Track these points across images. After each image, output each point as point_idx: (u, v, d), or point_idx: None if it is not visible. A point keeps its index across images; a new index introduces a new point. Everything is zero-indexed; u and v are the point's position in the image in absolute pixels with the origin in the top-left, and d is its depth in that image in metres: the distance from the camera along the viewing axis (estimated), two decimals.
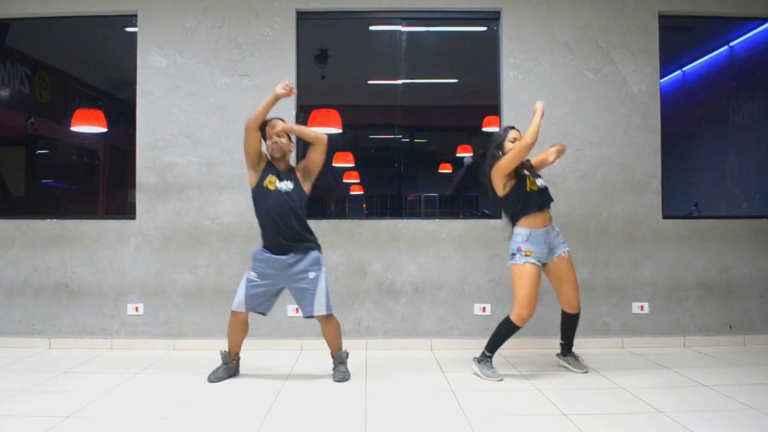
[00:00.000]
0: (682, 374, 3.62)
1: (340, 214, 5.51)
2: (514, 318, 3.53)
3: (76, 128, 5.00)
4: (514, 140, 3.54)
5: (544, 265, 3.59)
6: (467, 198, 5.67)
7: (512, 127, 3.63)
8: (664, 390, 3.28)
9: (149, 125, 4.56)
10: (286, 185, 3.49)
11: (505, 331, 3.59)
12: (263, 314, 3.63)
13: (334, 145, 5.45)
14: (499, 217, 4.59)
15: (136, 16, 4.60)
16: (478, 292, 4.52)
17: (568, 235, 4.51)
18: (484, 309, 4.50)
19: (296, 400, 3.16)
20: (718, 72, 5.62)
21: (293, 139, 3.68)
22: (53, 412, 2.88)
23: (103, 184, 5.63)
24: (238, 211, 4.50)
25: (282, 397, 3.19)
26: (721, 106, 5.52)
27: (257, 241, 4.46)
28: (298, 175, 3.57)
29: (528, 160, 3.67)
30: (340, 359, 3.60)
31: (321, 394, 3.28)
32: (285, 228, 3.44)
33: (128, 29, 4.74)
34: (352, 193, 5.67)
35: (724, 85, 5.58)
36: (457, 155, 5.60)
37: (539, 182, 3.60)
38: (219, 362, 3.61)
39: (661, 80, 4.68)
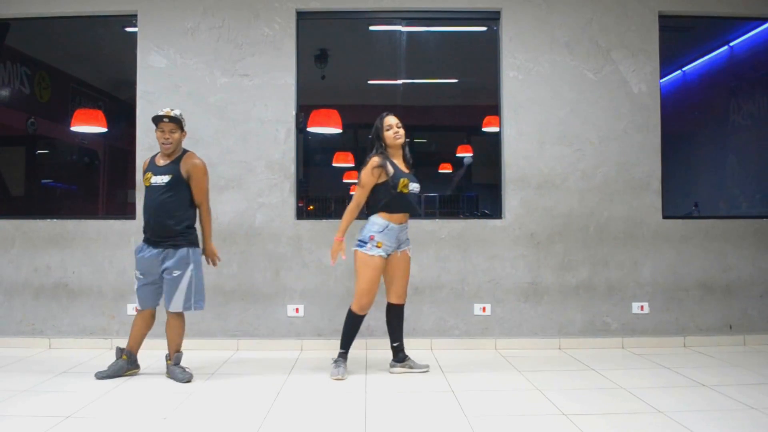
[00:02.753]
0: (682, 374, 3.62)
1: (340, 214, 5.49)
2: (355, 308, 3.57)
3: (76, 128, 4.99)
4: (390, 128, 3.59)
5: (387, 256, 3.60)
6: (467, 198, 5.66)
7: (388, 114, 3.67)
8: (664, 390, 3.28)
9: (149, 125, 4.54)
10: (161, 179, 3.47)
11: (352, 323, 3.62)
12: (153, 308, 3.63)
13: (334, 145, 5.46)
14: (500, 217, 4.60)
15: (136, 16, 4.60)
16: (478, 292, 4.52)
17: (568, 234, 4.53)
18: (484, 309, 4.50)
19: (296, 400, 3.16)
20: (718, 72, 5.62)
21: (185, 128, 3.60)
22: (53, 412, 2.88)
23: (103, 184, 5.62)
24: (238, 211, 4.50)
25: (282, 397, 3.19)
26: (721, 106, 5.52)
27: (257, 241, 4.49)
28: (183, 168, 3.50)
29: (409, 158, 3.70)
30: (177, 360, 3.56)
31: (321, 393, 3.28)
32: (155, 224, 3.47)
33: (128, 29, 4.74)
34: (352, 193, 5.65)
35: (724, 85, 5.58)
36: (457, 155, 5.60)
37: (412, 186, 3.59)
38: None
39: (661, 80, 4.68)
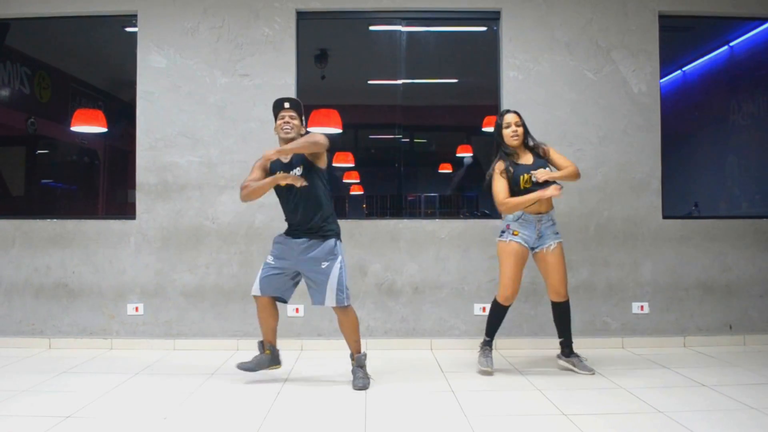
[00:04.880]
0: (682, 374, 3.62)
1: (340, 214, 5.45)
2: (500, 298, 3.63)
3: (76, 128, 4.99)
4: (508, 126, 3.59)
5: (533, 249, 3.63)
6: (467, 198, 5.66)
7: (508, 111, 3.67)
8: (664, 390, 3.28)
9: (149, 125, 4.56)
10: (295, 172, 3.33)
11: (493, 312, 3.70)
12: (284, 302, 3.50)
13: (334, 145, 5.45)
14: (499, 217, 4.60)
15: (136, 16, 4.60)
16: (478, 292, 4.52)
17: (568, 234, 4.52)
18: (484, 309, 4.50)
19: (296, 400, 3.16)
20: (718, 72, 5.61)
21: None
22: (53, 412, 2.88)
23: (103, 184, 5.62)
24: (238, 211, 4.50)
25: (282, 397, 3.19)
26: (721, 106, 5.51)
27: (257, 241, 4.49)
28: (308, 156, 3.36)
29: (537, 144, 3.67)
30: (358, 362, 3.40)
31: (321, 394, 3.28)
32: (302, 219, 3.33)
33: (128, 29, 4.74)
34: (352, 193, 5.66)
35: (724, 85, 5.57)
36: (457, 155, 5.60)
37: (535, 178, 3.58)
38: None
39: (661, 80, 4.68)
